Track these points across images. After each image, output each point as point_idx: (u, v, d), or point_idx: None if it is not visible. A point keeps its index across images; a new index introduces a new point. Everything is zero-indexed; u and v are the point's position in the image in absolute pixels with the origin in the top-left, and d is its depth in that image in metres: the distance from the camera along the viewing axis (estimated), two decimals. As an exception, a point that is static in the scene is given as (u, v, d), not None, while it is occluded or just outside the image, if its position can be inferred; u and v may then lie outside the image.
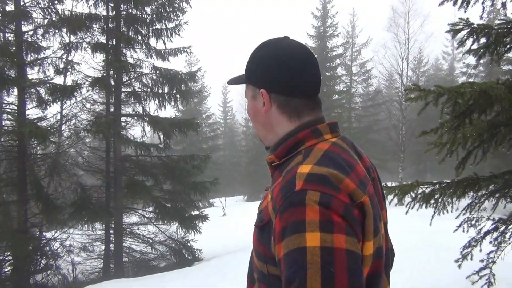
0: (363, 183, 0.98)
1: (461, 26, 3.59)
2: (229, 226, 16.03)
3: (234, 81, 1.25)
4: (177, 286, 6.58)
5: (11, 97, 10.46)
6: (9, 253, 10.13)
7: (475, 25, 3.61)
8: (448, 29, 3.72)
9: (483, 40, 3.77)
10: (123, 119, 11.11)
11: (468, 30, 3.62)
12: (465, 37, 3.72)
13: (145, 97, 11.17)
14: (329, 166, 0.94)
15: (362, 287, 0.85)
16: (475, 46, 3.77)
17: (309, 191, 0.88)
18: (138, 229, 11.50)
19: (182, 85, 11.33)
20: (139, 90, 11.25)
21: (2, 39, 10.05)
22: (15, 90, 9.99)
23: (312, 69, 1.10)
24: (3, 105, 10.94)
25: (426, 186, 3.76)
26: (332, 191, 0.89)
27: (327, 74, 26.81)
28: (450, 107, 3.12)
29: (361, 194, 0.93)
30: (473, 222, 4.09)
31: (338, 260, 0.82)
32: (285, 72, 1.07)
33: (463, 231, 4.13)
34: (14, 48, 9.87)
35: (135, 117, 11.22)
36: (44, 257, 10.50)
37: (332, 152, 1.00)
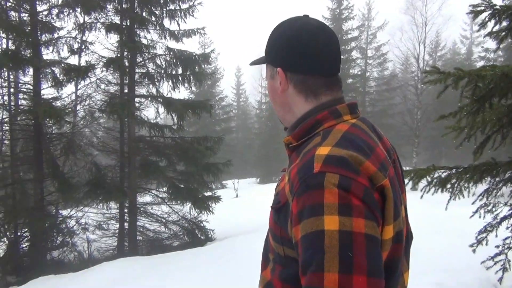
0: (383, 165, 0.95)
1: (482, 8, 3.50)
2: (242, 208, 16.16)
3: (256, 62, 1.23)
4: (190, 265, 6.68)
5: (27, 77, 10.57)
6: (26, 229, 10.37)
7: (497, 7, 3.51)
8: (468, 10, 3.62)
9: (505, 24, 3.67)
10: (137, 100, 11.14)
11: (490, 11, 3.52)
12: (486, 19, 3.62)
13: (158, 78, 11.16)
14: (349, 148, 0.91)
15: (380, 272, 0.83)
16: (496, 29, 3.67)
17: (327, 174, 0.86)
18: (151, 208, 11.63)
19: (196, 67, 11.28)
20: (153, 71, 11.24)
21: (17, 19, 10.09)
22: (31, 70, 10.07)
23: (331, 47, 1.07)
24: (19, 84, 11.06)
25: (442, 170, 3.71)
26: (351, 174, 0.86)
27: (342, 57, 26.34)
28: (470, 90, 3.07)
29: (381, 177, 0.91)
30: (489, 208, 4.04)
31: (357, 244, 0.81)
32: (301, 50, 1.05)
33: (479, 216, 4.09)
34: (29, 28, 9.92)
35: (149, 98, 11.24)
36: (60, 234, 10.72)
37: (352, 133, 0.98)
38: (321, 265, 0.80)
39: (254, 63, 1.24)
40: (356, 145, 0.93)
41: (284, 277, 1.02)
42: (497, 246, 3.99)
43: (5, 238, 9.95)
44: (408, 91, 23.85)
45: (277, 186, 1.13)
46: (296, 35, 1.06)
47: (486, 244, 4.05)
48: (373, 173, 0.89)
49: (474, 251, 4.08)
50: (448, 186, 3.64)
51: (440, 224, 7.42)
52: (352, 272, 0.79)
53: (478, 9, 3.54)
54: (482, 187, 3.88)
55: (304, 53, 1.05)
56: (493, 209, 3.99)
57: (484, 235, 4.03)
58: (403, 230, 0.99)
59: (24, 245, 10.46)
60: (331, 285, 0.79)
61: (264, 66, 1.19)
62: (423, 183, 3.89)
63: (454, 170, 3.66)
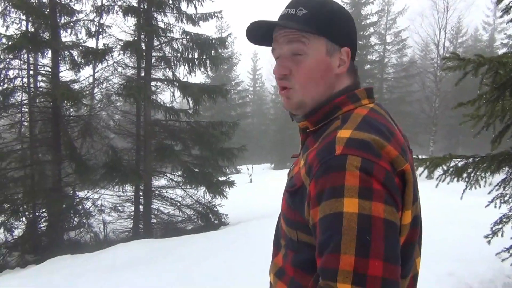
0: (404, 150, 0.94)
1: (507, -8, 3.39)
2: (255, 193, 16.23)
3: (287, 24, 1.01)
4: (203, 248, 6.75)
5: (46, 59, 10.67)
6: (44, 210, 10.59)
7: (522, -9, 3.41)
8: (492, -5, 3.52)
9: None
10: (153, 83, 11.18)
11: (515, -4, 3.42)
12: (510, 4, 3.51)
13: (175, 62, 11.17)
14: (370, 131, 0.90)
15: (397, 258, 0.82)
16: (521, 14, 3.56)
17: (350, 156, 0.85)
18: (166, 192, 11.74)
19: (212, 51, 11.24)
20: (169, 55, 11.25)
21: (36, 1, 10.16)
22: (49, 52, 10.16)
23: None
24: (38, 66, 11.18)
25: (459, 159, 3.66)
26: (374, 157, 0.85)
27: (360, 43, 26.10)
28: (490, 77, 2.99)
29: (403, 161, 0.90)
30: (506, 198, 3.98)
31: (375, 229, 0.80)
32: (355, 32, 1.07)
33: (495, 207, 4.03)
34: (48, 10, 9.98)
35: (165, 82, 11.27)
36: (77, 215, 10.92)
37: (371, 117, 0.96)
38: (338, 247, 0.80)
39: (285, 23, 1.02)
40: (377, 128, 0.92)
41: (296, 262, 1.02)
42: (513, 238, 3.93)
43: (24, 218, 10.18)
44: (427, 78, 23.46)
45: (290, 171, 1.12)
46: (347, 14, 1.06)
47: (502, 235, 3.99)
48: (395, 157, 0.89)
49: (489, 242, 4.03)
50: (464, 175, 3.59)
51: (454, 214, 7.34)
52: (369, 256, 0.79)
53: (502, -6, 3.44)
54: (499, 177, 3.82)
55: (356, 35, 1.07)
56: (510, 200, 3.92)
57: (500, 226, 3.97)
58: (419, 215, 0.99)
59: (42, 225, 10.69)
60: (347, 267, 0.79)
61: None
62: (438, 171, 3.83)
63: (471, 159, 3.60)
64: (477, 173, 3.58)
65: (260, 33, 1.09)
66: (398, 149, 0.91)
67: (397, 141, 0.94)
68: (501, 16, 3.84)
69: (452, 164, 3.67)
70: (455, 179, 3.64)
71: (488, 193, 3.97)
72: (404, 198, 0.90)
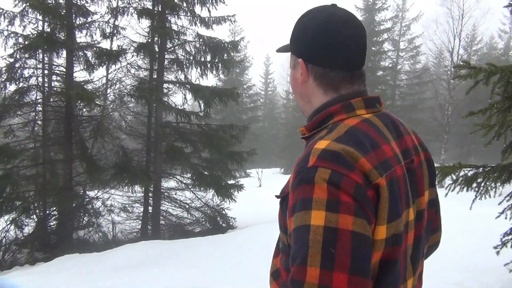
0: (385, 164, 0.92)
1: (521, 1, 3.36)
2: (264, 197, 16.17)
3: (282, 49, 1.21)
4: (210, 251, 6.76)
5: (60, 59, 10.82)
6: (55, 208, 10.70)
7: (537, 0, 3.37)
8: (507, 3, 3.49)
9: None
10: (165, 85, 11.27)
11: (530, 5, 3.39)
12: (525, 13, 3.48)
13: (187, 64, 11.24)
14: (347, 143, 0.90)
15: (365, 271, 0.82)
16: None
17: (320, 168, 0.86)
18: (175, 194, 11.79)
19: (225, 54, 11.30)
20: (182, 57, 11.33)
21: (53, 2, 10.32)
22: (64, 52, 10.30)
23: (356, 41, 1.03)
24: (53, 66, 11.33)
25: (469, 168, 3.62)
26: (344, 170, 0.85)
27: (373, 49, 26.04)
28: (502, 87, 2.96)
29: (376, 175, 0.88)
30: (516, 209, 3.92)
31: (341, 241, 0.80)
32: (324, 43, 1.02)
33: (506, 217, 3.97)
34: (64, 11, 10.12)
35: (177, 84, 11.34)
36: (86, 215, 11.02)
37: (358, 129, 0.95)
38: (305, 259, 0.81)
39: (280, 50, 1.22)
40: (357, 140, 0.92)
41: (286, 266, 1.03)
42: (523, 249, 3.88)
43: (34, 216, 10.29)
44: (440, 85, 23.26)
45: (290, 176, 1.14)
46: (320, 27, 1.03)
47: (511, 246, 3.93)
48: (369, 170, 0.88)
49: (498, 253, 3.97)
50: (474, 185, 3.55)
51: (464, 223, 7.25)
52: (333, 268, 0.79)
53: (516, 2, 3.41)
54: (510, 187, 3.77)
55: (327, 46, 1.02)
56: (521, 211, 3.87)
57: (510, 237, 3.91)
58: (402, 234, 0.94)
59: (52, 224, 10.81)
60: (313, 279, 0.80)
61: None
62: (449, 180, 3.80)
63: (481, 169, 3.57)
64: (487, 183, 3.54)
65: None
66: (375, 162, 0.90)
67: (378, 154, 0.92)
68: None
69: (462, 173, 3.63)
70: (465, 188, 3.60)
71: (499, 204, 3.91)
72: (377, 213, 0.88)
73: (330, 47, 1.02)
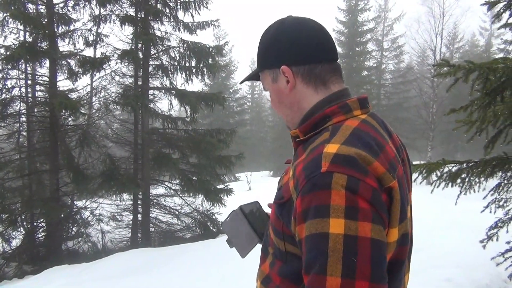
0: (392, 165, 0.92)
1: (498, -2, 3.43)
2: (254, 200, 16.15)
3: (248, 77, 1.20)
4: (201, 256, 6.74)
5: (43, 69, 10.72)
6: (42, 220, 10.56)
7: (513, -3, 3.44)
8: (483, 1, 3.55)
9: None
10: (150, 92, 11.22)
11: (505, 2, 3.45)
12: (501, 10, 3.55)
13: (172, 70, 11.22)
14: (358, 146, 0.88)
15: (384, 277, 0.82)
16: (512, 20, 3.59)
17: (335, 174, 0.83)
18: (164, 200, 11.73)
19: (209, 59, 11.29)
20: (167, 63, 11.30)
21: (34, 11, 10.22)
22: (47, 61, 10.20)
23: (326, 34, 1.07)
24: (36, 76, 11.21)
25: (453, 165, 3.67)
26: (360, 175, 0.84)
27: (357, 49, 26.28)
28: (481, 84, 3.01)
29: (390, 178, 0.88)
30: (501, 203, 3.99)
31: (362, 250, 0.79)
32: (302, 41, 1.04)
33: (490, 211, 4.04)
34: (45, 20, 10.03)
35: (163, 90, 11.30)
36: (75, 225, 10.91)
37: (361, 130, 0.95)
38: (324, 268, 0.79)
39: (247, 78, 1.21)
40: (366, 142, 0.91)
41: (283, 273, 1.02)
42: (508, 242, 3.94)
43: (21, 228, 10.15)
44: (424, 83, 23.49)
45: (280, 179, 1.12)
46: (292, 29, 1.05)
47: (497, 240, 3.99)
48: (382, 174, 0.87)
49: (484, 247, 4.03)
50: (458, 181, 3.60)
51: (452, 219, 7.34)
52: (355, 277, 0.78)
53: (493, 0, 3.47)
54: (493, 182, 3.83)
55: (306, 42, 1.03)
56: (505, 204, 3.93)
57: (495, 230, 3.98)
58: (409, 232, 0.97)
59: (40, 235, 10.67)
60: None
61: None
62: (434, 177, 3.84)
63: (464, 165, 3.62)
64: (471, 178, 3.59)
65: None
66: (386, 165, 0.89)
67: (386, 156, 0.92)
68: (493, 22, 3.87)
69: (446, 169, 3.68)
70: (450, 184, 3.65)
71: (483, 198, 3.98)
72: (390, 216, 0.88)
73: (309, 42, 1.04)
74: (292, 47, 1.04)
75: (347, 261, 0.78)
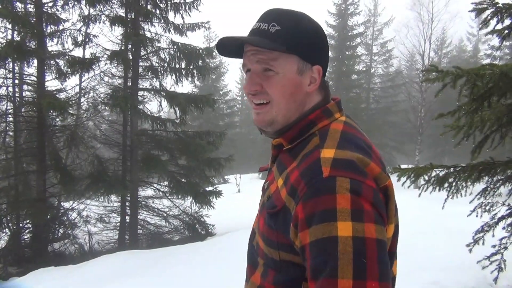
0: (383, 163, 0.96)
1: (485, 5, 3.48)
2: (243, 203, 16.14)
3: (256, 42, 1.00)
4: (189, 259, 6.71)
5: (31, 68, 10.61)
6: (28, 221, 10.43)
7: (500, 5, 3.49)
8: (471, 8, 3.60)
9: (508, 21, 3.64)
10: (140, 93, 11.16)
11: (493, 9, 3.50)
12: (489, 17, 3.60)
13: (162, 72, 11.17)
14: (352, 149, 0.91)
15: (389, 275, 0.84)
16: (499, 27, 3.64)
17: (338, 178, 0.84)
18: (153, 202, 11.68)
19: (200, 61, 11.26)
20: (157, 64, 11.25)
21: (23, 10, 10.11)
22: (35, 61, 10.10)
23: None
24: (24, 76, 11.09)
25: (440, 169, 3.71)
26: (360, 177, 0.86)
27: (347, 53, 26.37)
28: (468, 89, 3.05)
29: (385, 177, 0.91)
30: (487, 207, 4.04)
31: (370, 251, 0.80)
32: (326, 46, 1.07)
33: (477, 216, 4.09)
34: (34, 19, 9.93)
35: (152, 92, 11.25)
36: (62, 226, 10.80)
37: (348, 133, 0.97)
38: (334, 272, 0.80)
39: (254, 42, 1.00)
40: (357, 145, 0.94)
41: (278, 281, 1.00)
42: (493, 246, 3.99)
43: (7, 229, 10.01)
44: (413, 88, 23.72)
45: (265, 188, 1.10)
46: (321, 32, 1.06)
47: (483, 243, 4.04)
48: (378, 174, 0.90)
49: (470, 250, 4.08)
50: (446, 185, 3.64)
51: (438, 222, 7.40)
52: (366, 278, 0.79)
53: (481, 6, 3.51)
54: (480, 186, 3.88)
55: (326, 48, 1.07)
56: (491, 209, 3.98)
57: (481, 234, 4.02)
58: (398, 223, 1.01)
59: (26, 237, 10.54)
60: None
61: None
62: (422, 181, 3.88)
63: (452, 169, 3.66)
64: (458, 183, 3.63)
65: (231, 47, 1.06)
66: (379, 164, 0.92)
67: (376, 155, 0.95)
68: (480, 28, 3.92)
69: (434, 173, 3.72)
70: (437, 188, 3.69)
71: (470, 202, 4.03)
72: (388, 213, 0.91)
73: (326, 49, 1.07)
74: (325, 51, 1.07)
75: (358, 263, 0.79)
